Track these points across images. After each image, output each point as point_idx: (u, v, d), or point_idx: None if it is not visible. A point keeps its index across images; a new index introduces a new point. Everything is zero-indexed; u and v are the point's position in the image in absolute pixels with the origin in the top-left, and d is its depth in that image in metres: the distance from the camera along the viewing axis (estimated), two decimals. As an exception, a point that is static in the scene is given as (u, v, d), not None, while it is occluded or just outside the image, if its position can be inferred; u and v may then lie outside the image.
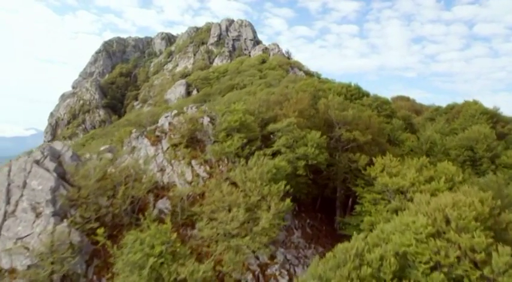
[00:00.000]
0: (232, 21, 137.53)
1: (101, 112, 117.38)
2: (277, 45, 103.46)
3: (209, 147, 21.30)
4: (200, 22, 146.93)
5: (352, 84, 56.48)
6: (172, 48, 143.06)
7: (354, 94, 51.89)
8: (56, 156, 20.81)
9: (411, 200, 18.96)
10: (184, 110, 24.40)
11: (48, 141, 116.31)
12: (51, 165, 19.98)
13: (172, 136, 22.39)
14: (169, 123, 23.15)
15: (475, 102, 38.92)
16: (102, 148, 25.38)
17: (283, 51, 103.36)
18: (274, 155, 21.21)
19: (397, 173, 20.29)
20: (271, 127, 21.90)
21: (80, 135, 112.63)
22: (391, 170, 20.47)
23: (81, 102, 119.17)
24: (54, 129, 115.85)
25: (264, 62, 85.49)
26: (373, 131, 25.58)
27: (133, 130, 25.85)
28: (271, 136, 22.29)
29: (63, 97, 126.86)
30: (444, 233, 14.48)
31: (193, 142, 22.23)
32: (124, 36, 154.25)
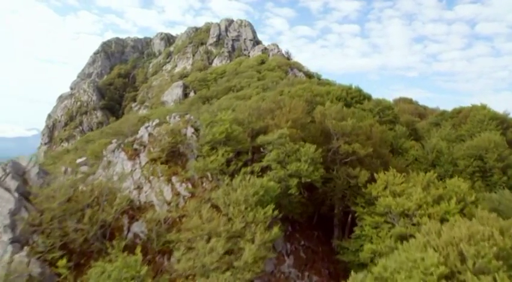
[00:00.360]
0: (232, 21, 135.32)
1: (99, 114, 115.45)
2: (277, 46, 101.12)
3: (191, 163, 19.04)
4: (201, 22, 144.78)
5: (353, 87, 54.17)
6: (171, 48, 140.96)
7: (354, 97, 49.52)
8: (20, 174, 18.59)
9: (418, 224, 16.71)
10: (167, 119, 22.13)
11: (45, 144, 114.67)
12: (13, 184, 17.76)
13: (151, 149, 20.15)
14: (150, 135, 20.90)
15: (483, 107, 36.42)
16: (78, 161, 23.20)
17: (283, 52, 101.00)
18: (263, 170, 18.97)
19: (401, 192, 17.98)
20: (260, 139, 19.60)
21: (77, 137, 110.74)
22: (395, 188, 18.17)
23: (79, 103, 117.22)
24: (51, 131, 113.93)
25: (263, 62, 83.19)
26: (375, 142, 23.24)
27: (114, 140, 23.64)
28: (262, 149, 19.99)
29: (61, 98, 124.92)
30: (459, 273, 12.19)
31: (174, 156, 19.99)
32: (125, 36, 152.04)
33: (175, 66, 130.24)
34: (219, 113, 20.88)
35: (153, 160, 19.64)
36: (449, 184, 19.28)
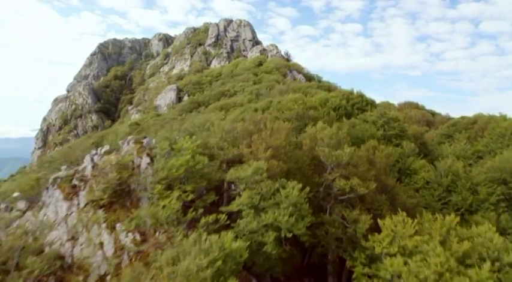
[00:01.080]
0: (231, 21, 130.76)
1: (94, 117, 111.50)
2: (276, 47, 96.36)
3: (140, 208, 14.62)
4: (203, 22, 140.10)
5: (355, 92, 49.43)
6: (169, 49, 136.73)
7: (356, 103, 44.86)
8: None
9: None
10: (120, 146, 17.68)
11: (39, 148, 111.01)
12: None
13: (94, 186, 15.79)
14: (94, 167, 16.50)
15: (503, 118, 31.59)
16: (15, 194, 18.87)
17: (283, 53, 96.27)
18: (233, 216, 14.51)
19: (413, 249, 13.50)
20: (230, 175, 15.11)
21: (71, 142, 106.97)
22: (405, 243, 13.68)
23: (74, 106, 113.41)
24: (45, 135, 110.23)
25: (260, 64, 78.59)
26: (379, 170, 18.69)
27: (63, 167, 19.29)
28: (233, 187, 15.54)
29: (56, 101, 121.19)
30: None
31: (122, 196, 15.60)
32: (130, 36, 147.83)
33: (173, 67, 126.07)
34: (182, 138, 16.41)
35: (94, 201, 15.24)
36: (476, 233, 14.69)
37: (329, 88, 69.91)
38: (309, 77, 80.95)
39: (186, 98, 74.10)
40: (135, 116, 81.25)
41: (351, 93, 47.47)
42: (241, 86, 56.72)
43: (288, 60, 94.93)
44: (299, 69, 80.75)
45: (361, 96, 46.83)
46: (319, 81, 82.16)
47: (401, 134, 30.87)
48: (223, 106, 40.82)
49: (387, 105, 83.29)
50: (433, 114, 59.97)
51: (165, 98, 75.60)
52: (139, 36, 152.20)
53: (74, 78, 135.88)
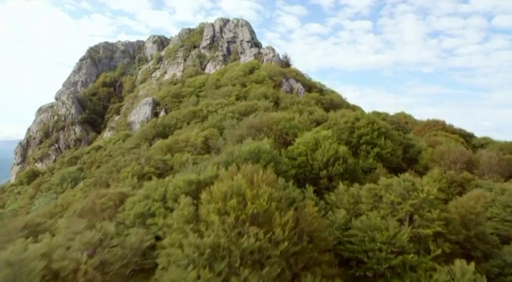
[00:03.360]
0: (228, 20, 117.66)
1: (77, 129, 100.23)
2: (273, 50, 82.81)
3: None
4: (199, 23, 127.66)
5: (364, 114, 35.96)
6: (163, 53, 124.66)
7: (364, 135, 31.52)
8: None
9: None
10: None
11: (18, 164, 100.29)
12: None
13: None
14: None
15: None
16: None
17: (281, 56, 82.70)
18: None
19: None
20: None
21: (52, 157, 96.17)
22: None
23: (56, 117, 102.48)
24: (24, 150, 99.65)
25: (252, 71, 65.43)
26: None
27: None
28: None
29: (40, 111, 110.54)
30: None
31: None
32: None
33: (165, 72, 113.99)
34: None
35: None
36: None
37: (332, 101, 56.25)
38: (310, 85, 67.39)
39: (162, 113, 61.58)
40: (107, 135, 69.19)
41: (357, 118, 34.02)
42: (218, 105, 43.75)
43: (287, 64, 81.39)
44: (297, 77, 67.24)
45: (371, 122, 33.31)
46: (322, 90, 68.50)
47: (444, 234, 17.04)
48: (170, 147, 27.99)
49: (403, 118, 69.09)
50: (467, 136, 45.91)
51: (140, 114, 63.21)
52: (128, 39, 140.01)
53: (63, 85, 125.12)
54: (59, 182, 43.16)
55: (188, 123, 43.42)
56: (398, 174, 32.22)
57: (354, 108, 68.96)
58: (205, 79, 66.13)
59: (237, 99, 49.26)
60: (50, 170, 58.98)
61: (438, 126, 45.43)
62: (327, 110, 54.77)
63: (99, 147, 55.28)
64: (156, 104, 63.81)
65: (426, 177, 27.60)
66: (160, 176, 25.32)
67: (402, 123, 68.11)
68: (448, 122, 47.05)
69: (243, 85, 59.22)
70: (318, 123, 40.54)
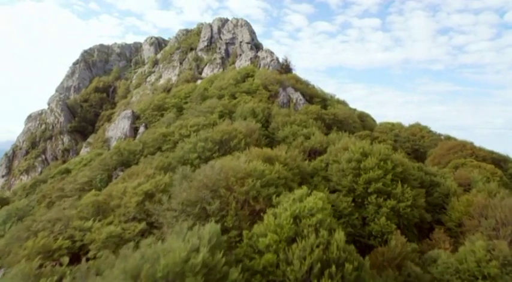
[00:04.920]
0: (226, 20, 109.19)
1: (65, 139, 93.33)
2: (271, 53, 73.91)
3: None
4: (197, 23, 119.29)
5: (382, 150, 27.12)
6: (159, 55, 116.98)
7: (392, 172, 22.95)
8: None
9: None
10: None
11: (3, 176, 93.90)
12: None
13: None
14: None
15: None
16: None
17: (281, 59, 73.81)
18: None
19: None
20: None
21: (38, 169, 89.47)
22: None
23: (43, 126, 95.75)
24: (10, 161, 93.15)
25: (244, 80, 56.88)
26: None
27: None
28: None
29: (30, 118, 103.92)
30: None
31: None
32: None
33: (160, 77, 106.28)
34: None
35: None
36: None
37: (335, 117, 47.30)
38: (311, 94, 58.43)
39: (142, 129, 53.52)
40: (84, 152, 61.53)
41: (364, 153, 25.14)
42: (193, 127, 35.36)
43: (287, 68, 72.47)
44: (297, 84, 58.36)
45: (383, 161, 24.40)
46: (325, 100, 59.38)
47: None
48: (101, 205, 19.65)
49: (419, 131, 59.65)
50: (501, 160, 36.67)
51: (118, 129, 55.27)
52: (125, 42, 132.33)
53: (56, 90, 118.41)
54: (3, 221, 35.49)
55: (160, 149, 35.24)
56: (421, 235, 23.17)
57: (363, 121, 59.74)
58: (193, 88, 57.77)
59: (221, 116, 40.82)
60: (15, 194, 51.61)
61: (466, 151, 36.28)
62: (329, 127, 45.88)
63: (67, 170, 47.55)
64: (135, 118, 55.81)
65: (464, 251, 18.85)
66: (72, 260, 17.10)
67: (418, 137, 58.79)
68: (476, 143, 37.68)
69: (233, 96, 50.72)
70: (314, 153, 31.79)
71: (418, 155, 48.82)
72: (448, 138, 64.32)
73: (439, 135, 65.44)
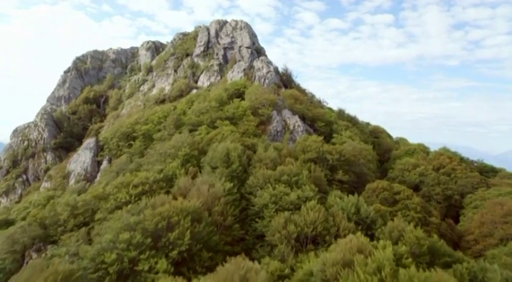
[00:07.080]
0: (225, 23, 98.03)
1: (49, 157, 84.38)
2: (268, 64, 62.29)
3: None
4: (195, 26, 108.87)
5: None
6: (154, 62, 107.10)
7: None
8: None
9: None
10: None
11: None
12: None
13: None
14: None
15: None
16: None
17: (280, 70, 62.28)
18: None
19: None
20: None
21: (18, 191, 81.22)
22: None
23: (26, 143, 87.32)
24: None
25: (231, 99, 45.91)
26: None
27: None
28: None
29: (16, 133, 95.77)
30: None
31: None
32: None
33: (153, 86, 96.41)
34: None
35: None
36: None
37: (341, 155, 35.80)
38: (313, 117, 46.80)
39: (105, 163, 43.26)
40: (44, 187, 51.81)
41: (378, 268, 13.80)
42: (137, 189, 24.76)
43: (288, 79, 60.95)
44: (296, 104, 46.87)
45: None
46: (330, 123, 47.58)
47: None
48: None
49: (448, 162, 47.30)
50: None
51: (78, 162, 45.27)
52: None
53: (47, 100, 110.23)
54: None
55: (92, 218, 24.80)
56: None
57: (377, 137, 47.84)
58: (168, 111, 47.10)
59: (185, 162, 30.02)
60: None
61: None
62: (333, 169, 34.45)
63: (9, 222, 37.84)
64: (99, 149, 45.63)
65: None
66: None
67: (447, 169, 46.50)
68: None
69: (212, 125, 39.85)
70: (306, 242, 20.52)
71: (453, 203, 36.80)
72: (485, 166, 51.82)
73: (472, 162, 52.85)
